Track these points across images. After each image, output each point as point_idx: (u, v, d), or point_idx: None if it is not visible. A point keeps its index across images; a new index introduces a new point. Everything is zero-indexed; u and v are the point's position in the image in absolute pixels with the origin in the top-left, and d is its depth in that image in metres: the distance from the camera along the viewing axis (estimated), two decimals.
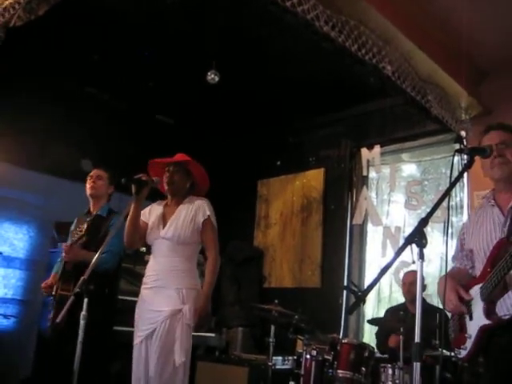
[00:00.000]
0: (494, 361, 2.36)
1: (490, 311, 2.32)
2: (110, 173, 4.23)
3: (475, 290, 2.42)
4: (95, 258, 3.15)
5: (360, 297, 1.83)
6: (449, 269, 2.65)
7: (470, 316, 2.44)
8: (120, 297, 4.56)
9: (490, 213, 2.52)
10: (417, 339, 1.75)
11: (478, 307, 2.39)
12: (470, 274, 2.62)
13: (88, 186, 4.17)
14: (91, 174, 4.22)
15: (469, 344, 2.43)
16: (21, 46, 4.56)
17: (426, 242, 1.81)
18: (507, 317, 2.26)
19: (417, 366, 1.75)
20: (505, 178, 2.46)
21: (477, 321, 2.38)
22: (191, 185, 3.59)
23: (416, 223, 1.87)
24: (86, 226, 3.89)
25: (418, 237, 1.81)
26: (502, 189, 2.51)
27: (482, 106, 5.03)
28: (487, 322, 2.32)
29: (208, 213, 3.47)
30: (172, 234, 3.39)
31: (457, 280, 2.51)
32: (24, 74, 5.22)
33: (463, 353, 2.47)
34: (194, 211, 3.46)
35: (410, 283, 4.59)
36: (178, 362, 3.18)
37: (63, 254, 3.91)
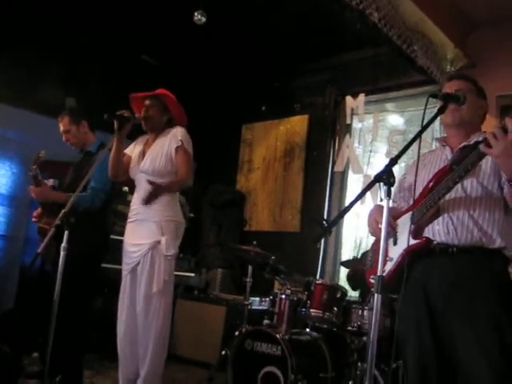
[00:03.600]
0: (412, 285, 2.30)
1: (417, 233, 2.31)
2: (70, 112, 4.03)
3: (405, 217, 2.41)
4: (75, 194, 3.16)
5: (326, 228, 1.91)
6: None
7: (395, 241, 2.42)
8: None
9: (439, 153, 2.52)
10: (379, 273, 1.84)
11: (404, 232, 2.36)
12: (400, 210, 2.57)
13: None
14: (60, 129, 4.04)
15: (388, 267, 2.37)
16: None
17: (394, 181, 1.88)
18: (434, 243, 2.26)
19: (378, 297, 1.84)
20: (456, 125, 2.44)
21: (402, 245, 2.35)
22: (169, 119, 3.57)
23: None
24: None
25: (386, 175, 1.86)
26: (453, 134, 2.49)
27: (468, 58, 5.03)
28: (413, 241, 2.28)
29: (180, 138, 3.43)
30: (147, 167, 3.42)
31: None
32: (10, 13, 5.14)
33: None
34: (168, 140, 3.45)
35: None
36: (153, 291, 3.26)
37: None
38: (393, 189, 1.96)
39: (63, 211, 3.08)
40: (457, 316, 2.16)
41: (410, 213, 2.35)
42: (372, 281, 2.35)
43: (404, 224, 2.39)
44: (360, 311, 3.97)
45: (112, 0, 5.22)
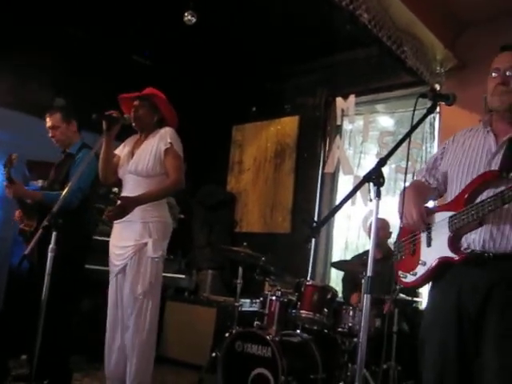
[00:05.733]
0: (443, 291, 2.19)
1: (455, 244, 2.13)
2: (62, 110, 4.00)
3: (442, 216, 2.21)
4: (63, 194, 3.12)
5: (315, 227, 1.88)
6: None
7: (429, 242, 2.23)
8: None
9: (481, 138, 2.26)
10: (369, 273, 1.83)
11: (440, 235, 2.18)
12: (431, 191, 2.42)
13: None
14: (47, 124, 3.98)
15: (420, 271, 2.23)
16: None
17: (383, 181, 1.86)
18: (468, 251, 2.09)
19: (367, 298, 1.83)
20: (504, 109, 2.17)
21: (437, 250, 2.18)
22: (159, 119, 3.50)
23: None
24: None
25: (375, 175, 1.85)
26: (500, 118, 2.23)
27: (458, 59, 5.05)
28: (451, 255, 2.11)
29: (169, 140, 3.35)
30: (135, 168, 3.36)
31: (422, 196, 2.31)
32: None
33: (410, 278, 2.28)
34: (157, 141, 3.38)
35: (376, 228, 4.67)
36: (138, 292, 3.22)
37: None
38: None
39: (52, 211, 3.04)
40: (489, 327, 2.01)
41: (448, 213, 2.17)
42: (402, 278, 2.33)
43: (443, 222, 2.19)
44: (351, 312, 3.97)
45: (102, 1, 5.20)
